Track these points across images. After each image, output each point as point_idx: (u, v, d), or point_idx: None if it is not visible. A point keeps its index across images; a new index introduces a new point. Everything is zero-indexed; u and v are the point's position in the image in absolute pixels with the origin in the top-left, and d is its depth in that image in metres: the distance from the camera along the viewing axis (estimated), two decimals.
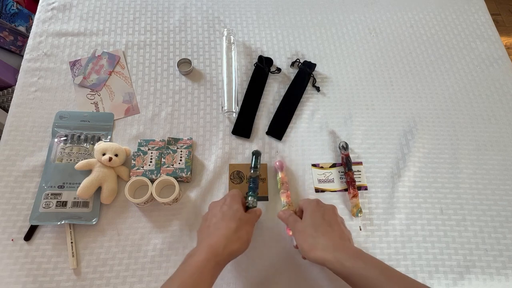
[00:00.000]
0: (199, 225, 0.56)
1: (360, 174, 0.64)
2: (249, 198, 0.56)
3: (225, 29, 0.75)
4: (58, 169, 0.60)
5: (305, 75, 0.72)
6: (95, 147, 0.60)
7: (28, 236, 0.56)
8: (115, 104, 0.68)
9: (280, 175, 0.61)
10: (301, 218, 0.52)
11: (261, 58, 0.74)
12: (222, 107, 0.68)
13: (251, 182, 0.58)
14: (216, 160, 0.64)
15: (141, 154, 0.61)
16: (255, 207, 0.56)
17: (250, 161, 0.63)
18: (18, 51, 1.25)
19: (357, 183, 0.63)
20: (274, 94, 0.72)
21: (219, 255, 0.45)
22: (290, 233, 0.56)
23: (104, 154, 0.59)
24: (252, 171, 0.60)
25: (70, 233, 0.56)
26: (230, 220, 0.49)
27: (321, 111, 0.70)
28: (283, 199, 0.59)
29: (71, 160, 0.61)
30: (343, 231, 0.49)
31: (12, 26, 1.20)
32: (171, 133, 0.66)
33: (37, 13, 0.77)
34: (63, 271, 0.55)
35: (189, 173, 0.60)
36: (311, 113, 0.70)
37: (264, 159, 0.65)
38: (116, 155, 0.59)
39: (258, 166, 0.61)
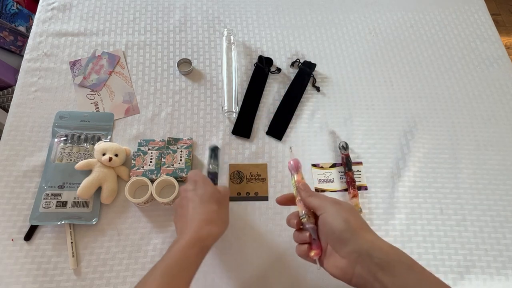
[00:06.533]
0: None
1: (360, 174, 0.64)
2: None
3: (225, 29, 0.75)
4: (58, 169, 0.60)
5: (305, 75, 0.72)
6: (95, 147, 0.60)
7: (28, 236, 0.56)
8: (115, 104, 0.68)
9: (295, 177, 0.48)
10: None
11: (261, 58, 0.74)
12: (222, 107, 0.68)
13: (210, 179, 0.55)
14: None
15: (141, 154, 0.61)
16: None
17: (246, 160, 0.63)
18: (18, 51, 1.25)
19: (357, 183, 0.63)
20: (274, 94, 0.72)
21: (203, 240, 0.45)
22: (312, 253, 0.42)
23: (104, 154, 0.59)
24: (210, 166, 0.58)
25: (70, 233, 0.56)
26: (209, 203, 0.48)
27: (321, 111, 0.70)
28: (301, 208, 0.45)
29: (71, 160, 0.61)
30: None
31: (12, 26, 1.20)
32: (171, 133, 0.66)
33: (37, 13, 0.77)
34: (63, 271, 0.55)
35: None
36: (311, 113, 0.70)
37: (264, 159, 0.65)
38: (116, 155, 0.59)
39: (218, 162, 0.60)
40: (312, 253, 0.42)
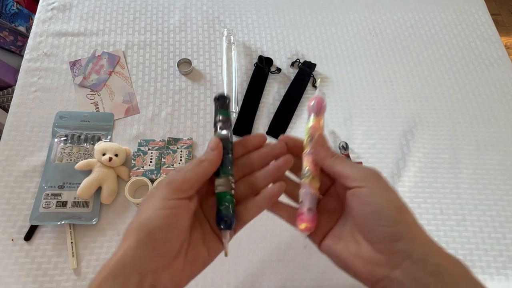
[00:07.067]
0: None
1: None
2: (217, 180, 0.32)
3: (225, 29, 0.75)
4: (58, 169, 0.60)
5: (305, 75, 0.72)
6: (95, 147, 0.60)
7: (28, 236, 0.56)
8: (115, 104, 0.68)
9: (311, 121, 0.34)
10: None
11: (261, 58, 0.74)
12: None
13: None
14: None
15: (141, 154, 0.61)
16: (229, 193, 0.32)
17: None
18: (18, 51, 1.25)
19: None
20: (274, 94, 0.72)
21: None
22: (302, 226, 0.32)
23: (104, 154, 0.59)
24: (218, 126, 0.33)
25: (70, 233, 0.56)
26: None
27: None
28: (306, 164, 0.33)
29: (71, 160, 0.61)
30: None
31: (12, 26, 1.20)
32: (171, 133, 0.66)
33: (37, 13, 0.77)
34: (63, 271, 0.55)
35: None
36: None
37: None
38: (116, 155, 0.59)
39: (230, 119, 0.34)
40: (303, 226, 0.31)
